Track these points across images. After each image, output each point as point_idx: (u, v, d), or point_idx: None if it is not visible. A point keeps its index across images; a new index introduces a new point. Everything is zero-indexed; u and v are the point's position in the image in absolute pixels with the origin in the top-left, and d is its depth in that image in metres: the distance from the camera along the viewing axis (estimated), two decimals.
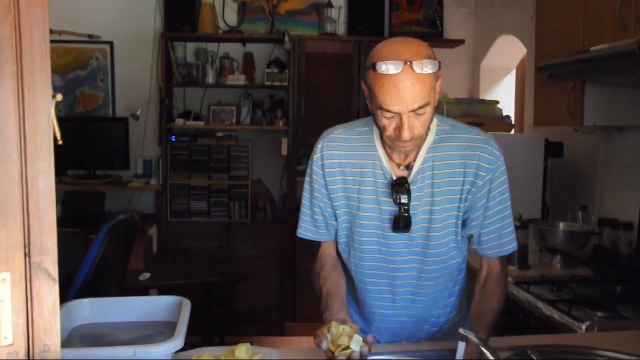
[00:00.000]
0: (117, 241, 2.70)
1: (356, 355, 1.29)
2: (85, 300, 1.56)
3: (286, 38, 4.24)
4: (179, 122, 4.34)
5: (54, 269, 0.92)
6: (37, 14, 0.89)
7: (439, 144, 1.48)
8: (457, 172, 1.47)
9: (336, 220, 1.58)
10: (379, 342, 1.64)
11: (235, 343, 1.45)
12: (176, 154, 4.33)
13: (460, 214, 1.49)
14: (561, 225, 2.77)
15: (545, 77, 2.40)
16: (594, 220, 2.80)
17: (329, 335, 1.33)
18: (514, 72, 4.44)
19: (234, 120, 4.44)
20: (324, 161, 1.55)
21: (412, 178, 1.47)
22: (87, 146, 4.31)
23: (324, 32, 4.44)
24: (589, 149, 3.00)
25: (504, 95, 4.37)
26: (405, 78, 1.29)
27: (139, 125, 4.44)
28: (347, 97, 4.31)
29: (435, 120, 1.48)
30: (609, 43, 2.08)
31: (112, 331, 1.53)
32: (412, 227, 1.48)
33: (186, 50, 4.48)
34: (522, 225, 2.68)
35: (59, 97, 0.94)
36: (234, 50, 4.52)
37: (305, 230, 1.63)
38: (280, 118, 4.41)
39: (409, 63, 1.29)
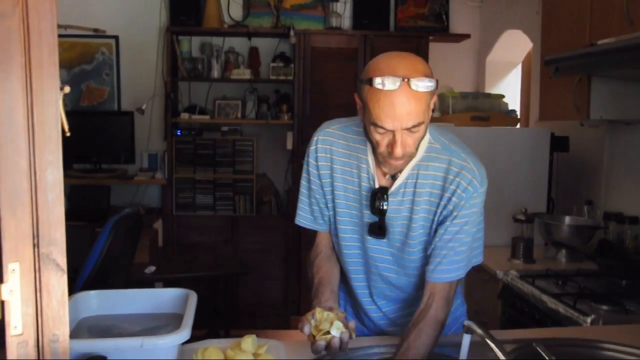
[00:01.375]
0: (124, 235, 2.71)
1: (336, 340, 1.31)
2: (93, 293, 1.57)
3: (291, 32, 4.23)
4: (185, 116, 4.35)
5: (62, 260, 0.93)
6: (45, 6, 0.90)
7: (426, 162, 1.46)
8: (436, 193, 1.45)
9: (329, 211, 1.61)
10: (367, 334, 1.68)
11: (241, 336, 1.46)
12: (181, 148, 4.34)
13: (434, 227, 1.47)
14: (567, 219, 2.77)
15: (552, 71, 2.39)
16: (599, 214, 2.80)
17: (312, 321, 1.35)
18: (519, 67, 4.43)
19: (239, 115, 4.45)
20: (318, 154, 1.56)
21: (393, 190, 1.47)
22: (92, 140, 4.32)
23: (329, 26, 4.43)
24: (595, 143, 2.99)
25: (509, 89, 4.36)
26: (401, 95, 1.26)
27: (145, 119, 4.45)
28: (352, 91, 4.24)
29: (428, 137, 1.46)
30: (616, 37, 2.07)
31: (119, 323, 1.54)
32: (390, 236, 1.51)
33: (191, 45, 4.49)
34: (527, 219, 2.69)
35: (67, 89, 0.94)
36: (239, 44, 4.52)
37: (304, 218, 1.66)
38: (285, 112, 4.42)
39: (406, 80, 1.26)
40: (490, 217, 2.97)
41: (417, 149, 1.39)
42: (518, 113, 3.81)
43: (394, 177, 1.48)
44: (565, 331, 1.79)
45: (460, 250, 1.45)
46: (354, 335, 1.35)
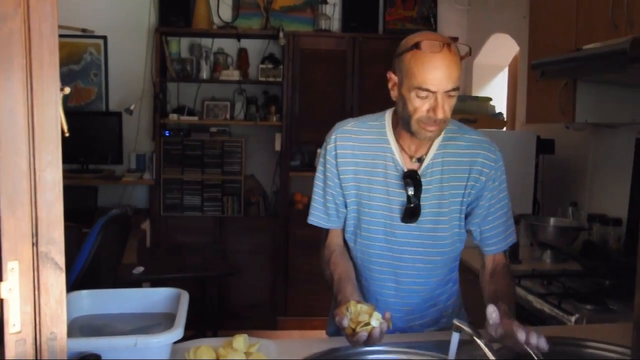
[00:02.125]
0: (112, 235, 2.71)
1: (377, 331, 1.33)
2: (84, 292, 1.57)
3: (281, 34, 4.25)
4: (173, 117, 4.35)
5: (60, 259, 0.95)
6: (46, 8, 0.91)
7: (448, 141, 1.57)
8: (463, 168, 1.56)
9: (346, 208, 1.65)
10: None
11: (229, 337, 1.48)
12: (170, 148, 4.33)
13: (464, 207, 1.58)
14: (552, 220, 2.81)
15: (539, 74, 2.43)
16: (583, 216, 2.85)
17: (348, 314, 1.36)
18: (506, 70, 4.48)
19: (227, 116, 4.46)
20: (338, 151, 1.61)
21: (422, 171, 1.55)
22: (80, 140, 4.30)
23: (318, 28, 4.45)
24: (580, 145, 3.04)
25: (496, 92, 4.41)
26: (444, 58, 1.39)
27: (132, 119, 4.45)
28: (341, 93, 4.34)
29: None
30: (602, 42, 2.11)
31: (110, 322, 1.54)
32: (420, 219, 1.56)
33: (180, 45, 4.49)
34: (514, 220, 2.72)
35: (67, 90, 0.96)
36: (229, 45, 4.53)
37: (317, 217, 1.68)
38: (274, 114, 4.43)
39: (447, 45, 1.40)
40: None
41: (450, 116, 1.47)
42: (505, 116, 3.86)
43: (419, 160, 1.56)
44: (551, 330, 1.82)
45: (508, 216, 1.61)
46: (390, 325, 1.38)
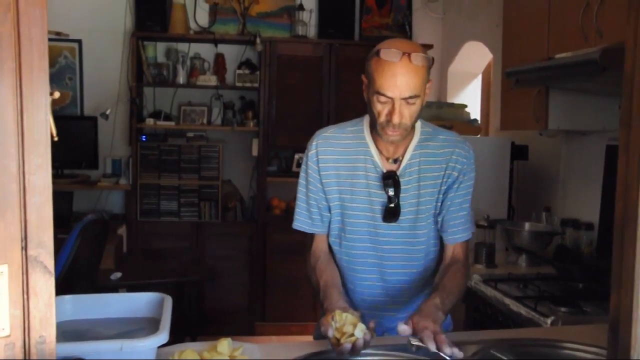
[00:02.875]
0: (90, 241, 2.69)
1: (360, 342, 1.34)
2: (67, 297, 1.57)
3: (258, 40, 4.27)
4: (150, 122, 4.32)
5: (50, 262, 0.95)
6: (36, 13, 0.92)
7: (424, 142, 1.64)
8: (439, 167, 1.64)
9: (330, 212, 1.69)
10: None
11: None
12: (146, 153, 4.30)
13: (439, 204, 1.66)
14: (526, 225, 2.87)
15: (513, 82, 2.49)
16: (557, 220, 2.91)
17: (333, 324, 1.37)
18: (479, 77, 4.56)
19: (204, 121, 4.45)
20: (319, 157, 1.65)
21: (400, 172, 1.62)
22: (54, 145, 4.19)
23: (295, 34, 4.48)
24: (552, 152, 3.11)
25: (470, 99, 4.48)
26: (402, 67, 1.46)
27: (108, 124, 4.41)
28: (318, 99, 4.37)
29: (419, 122, 1.65)
30: (573, 51, 2.18)
31: (93, 328, 1.53)
32: (400, 218, 1.63)
33: (157, 50, 4.47)
34: (489, 225, 2.78)
35: (57, 94, 0.96)
36: (205, 50, 4.53)
37: (301, 222, 1.72)
38: (251, 119, 4.44)
39: (407, 54, 1.46)
40: None
41: (412, 123, 1.53)
42: (479, 122, 3.92)
43: (396, 161, 1.63)
44: (528, 332, 1.86)
45: (468, 211, 1.68)
46: (374, 335, 1.39)
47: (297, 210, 1.72)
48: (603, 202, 2.60)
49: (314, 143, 1.67)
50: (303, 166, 1.70)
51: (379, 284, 1.70)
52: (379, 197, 1.63)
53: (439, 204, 1.66)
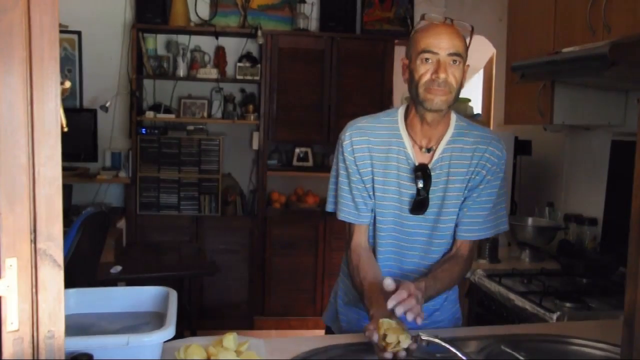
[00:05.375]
0: (91, 234, 2.67)
1: (403, 353, 1.32)
2: (71, 291, 1.55)
3: (259, 33, 4.24)
4: (149, 114, 4.29)
5: (59, 256, 0.93)
6: (47, 1, 0.89)
7: (457, 137, 1.64)
8: (468, 163, 1.64)
9: (371, 200, 1.67)
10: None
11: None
12: (146, 146, 4.28)
13: (463, 199, 1.66)
14: (530, 220, 2.86)
15: (518, 76, 2.47)
16: (560, 216, 2.90)
17: (381, 332, 1.33)
18: (481, 72, 4.54)
19: (204, 114, 4.43)
20: (354, 147, 1.65)
21: (432, 164, 1.62)
22: None
23: (296, 27, 4.45)
24: (556, 147, 3.10)
25: (471, 94, 4.46)
26: (446, 27, 1.54)
27: (108, 117, 4.38)
28: (319, 92, 4.34)
29: (454, 116, 1.67)
30: (579, 46, 2.16)
31: (98, 322, 1.52)
32: (427, 210, 1.63)
33: (157, 42, 4.43)
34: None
35: (67, 84, 0.94)
36: (206, 43, 4.50)
37: (348, 214, 1.68)
38: (251, 112, 4.42)
39: (449, 19, 1.57)
40: None
41: (456, 87, 1.53)
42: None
43: (429, 150, 1.62)
44: (534, 327, 1.85)
45: (492, 211, 1.67)
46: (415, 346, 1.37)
47: (341, 201, 1.69)
48: (608, 198, 2.59)
49: (347, 134, 1.66)
50: (339, 157, 1.68)
51: (396, 272, 1.69)
52: (409, 189, 1.63)
53: (463, 199, 1.65)
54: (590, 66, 2.04)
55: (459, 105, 3.40)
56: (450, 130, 1.64)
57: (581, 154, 2.92)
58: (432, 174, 1.60)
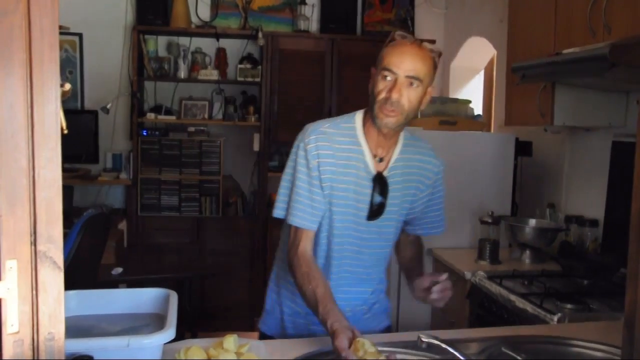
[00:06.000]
0: (92, 236, 2.67)
1: None
2: (71, 292, 1.55)
3: (260, 34, 4.24)
4: (150, 116, 4.30)
5: (59, 258, 0.93)
6: (47, 4, 0.90)
7: (406, 147, 1.72)
8: (418, 172, 1.74)
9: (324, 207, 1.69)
10: None
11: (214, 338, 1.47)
12: (147, 148, 4.28)
13: (410, 205, 1.76)
14: (530, 221, 2.86)
15: (519, 77, 2.47)
16: (561, 217, 2.90)
17: (359, 354, 1.31)
18: (482, 73, 4.54)
19: (205, 116, 4.43)
20: (319, 151, 1.63)
21: (387, 173, 1.68)
22: None
23: (297, 29, 4.45)
24: (556, 148, 3.10)
25: (472, 95, 4.47)
26: (412, 48, 1.55)
27: (109, 118, 4.39)
28: (320, 94, 4.35)
29: (403, 132, 1.72)
30: (580, 47, 2.16)
31: (98, 323, 1.52)
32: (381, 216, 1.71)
33: (158, 44, 4.44)
34: (493, 221, 2.76)
35: (67, 86, 0.94)
36: (207, 45, 4.50)
37: (302, 219, 1.65)
38: (252, 114, 4.42)
39: (419, 40, 1.59)
40: (455, 219, 3.07)
41: (408, 109, 1.57)
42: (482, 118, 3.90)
43: (382, 160, 1.68)
44: (534, 329, 1.85)
45: (438, 212, 1.84)
46: None
47: (296, 206, 1.64)
48: (609, 199, 2.59)
49: (312, 137, 1.64)
50: (301, 160, 1.64)
51: (350, 277, 1.76)
52: (366, 197, 1.67)
53: (411, 205, 1.76)
54: (591, 67, 2.04)
55: (460, 106, 3.40)
56: (401, 141, 1.70)
57: (582, 155, 2.92)
58: (388, 181, 1.67)
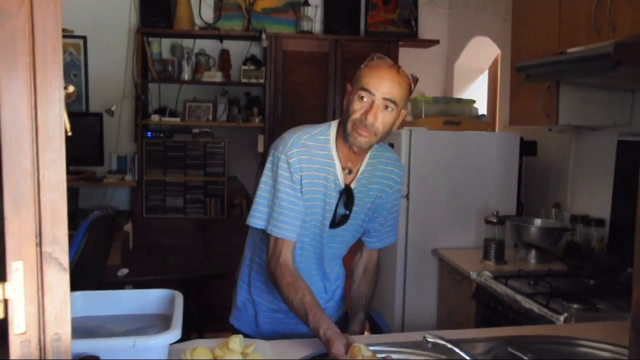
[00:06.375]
0: (97, 237, 2.68)
1: None
2: (77, 293, 1.56)
3: (263, 36, 4.25)
4: (155, 118, 4.31)
5: (65, 259, 0.93)
6: (50, 6, 0.90)
7: (372, 159, 1.76)
8: (380, 181, 1.78)
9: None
10: None
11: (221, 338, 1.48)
12: (152, 150, 4.29)
13: (370, 213, 1.81)
14: (536, 221, 2.85)
15: (523, 77, 2.47)
16: (566, 217, 2.89)
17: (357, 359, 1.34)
18: (486, 73, 4.54)
19: (210, 117, 4.43)
20: (302, 165, 1.65)
21: (354, 185, 1.73)
22: None
23: (300, 30, 4.46)
24: (562, 147, 3.09)
25: (476, 94, 4.46)
26: (390, 72, 1.58)
27: (113, 120, 4.40)
28: (323, 95, 4.35)
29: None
30: (584, 46, 2.15)
31: (104, 324, 1.52)
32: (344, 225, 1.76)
33: (162, 46, 4.45)
34: (498, 221, 2.76)
35: (71, 88, 0.95)
36: (210, 46, 4.51)
37: (286, 230, 1.66)
38: (256, 115, 4.42)
39: (397, 65, 1.60)
40: (460, 219, 3.06)
41: (382, 132, 1.60)
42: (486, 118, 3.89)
43: (350, 172, 1.72)
44: (541, 329, 1.85)
45: (395, 221, 1.90)
46: None
47: (283, 219, 1.65)
48: (614, 198, 2.58)
49: (294, 150, 1.64)
50: (282, 172, 1.64)
51: (317, 281, 1.84)
52: (332, 207, 1.72)
53: (376, 214, 1.81)
54: (596, 66, 2.03)
55: (464, 106, 3.40)
56: (368, 153, 1.73)
57: (587, 155, 2.91)
58: (354, 194, 1.71)
